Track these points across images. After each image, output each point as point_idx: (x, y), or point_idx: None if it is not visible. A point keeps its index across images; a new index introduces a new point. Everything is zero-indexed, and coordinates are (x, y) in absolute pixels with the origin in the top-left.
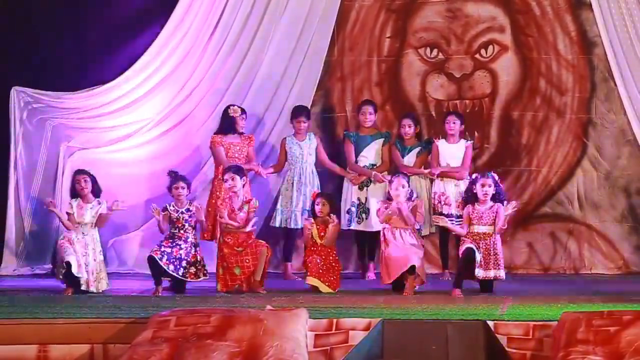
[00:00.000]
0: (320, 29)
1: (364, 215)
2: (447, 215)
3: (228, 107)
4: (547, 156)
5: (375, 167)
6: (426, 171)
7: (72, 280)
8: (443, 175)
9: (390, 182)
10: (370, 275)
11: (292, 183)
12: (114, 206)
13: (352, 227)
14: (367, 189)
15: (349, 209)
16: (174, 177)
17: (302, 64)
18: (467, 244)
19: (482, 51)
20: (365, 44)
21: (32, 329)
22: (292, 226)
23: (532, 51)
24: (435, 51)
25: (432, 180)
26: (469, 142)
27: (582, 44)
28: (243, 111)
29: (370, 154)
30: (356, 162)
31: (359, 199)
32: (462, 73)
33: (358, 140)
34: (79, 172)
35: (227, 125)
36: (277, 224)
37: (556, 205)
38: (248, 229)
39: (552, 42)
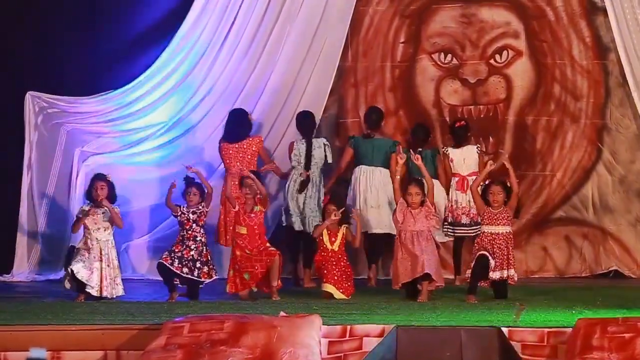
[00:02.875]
0: (333, 34)
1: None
2: (464, 225)
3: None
4: (561, 161)
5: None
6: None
7: (80, 287)
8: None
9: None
10: (372, 281)
11: (294, 187)
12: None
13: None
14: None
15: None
16: (188, 183)
17: (315, 69)
18: (481, 251)
19: (497, 56)
20: (379, 49)
21: (45, 335)
22: (309, 230)
23: (547, 57)
24: (449, 56)
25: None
26: (478, 149)
27: (596, 49)
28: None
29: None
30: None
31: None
32: (477, 78)
33: (359, 144)
34: (98, 177)
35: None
36: (296, 227)
37: (571, 209)
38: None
39: (566, 48)
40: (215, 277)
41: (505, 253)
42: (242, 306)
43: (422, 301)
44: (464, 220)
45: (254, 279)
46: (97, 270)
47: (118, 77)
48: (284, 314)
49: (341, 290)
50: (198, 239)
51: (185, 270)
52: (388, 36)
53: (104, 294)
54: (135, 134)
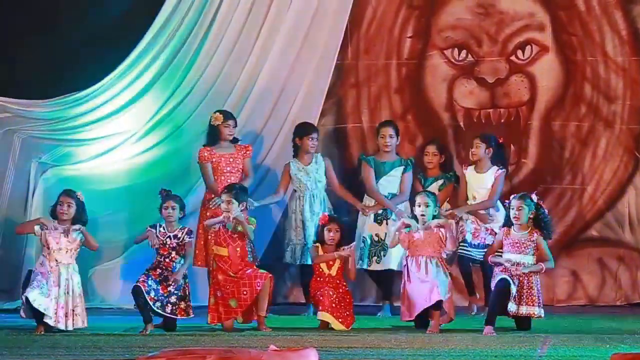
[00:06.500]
0: (330, 28)
1: (382, 254)
2: (465, 243)
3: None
4: (593, 172)
5: (392, 198)
6: (446, 212)
7: (38, 317)
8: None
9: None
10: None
11: (302, 214)
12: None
13: (360, 266)
14: (386, 223)
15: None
16: (165, 196)
17: (310, 68)
18: (502, 275)
19: (519, 52)
20: (383, 45)
21: None
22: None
23: (576, 52)
24: (464, 53)
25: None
26: (500, 170)
27: (634, 44)
28: (228, 117)
29: (388, 184)
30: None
31: (377, 235)
32: (496, 78)
33: (374, 167)
34: (66, 193)
35: (212, 135)
36: (291, 260)
37: (604, 228)
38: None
39: (599, 42)
40: (192, 316)
41: (526, 287)
42: (226, 338)
43: (433, 333)
44: (489, 240)
45: (242, 306)
46: (55, 298)
47: (81, 77)
48: (274, 348)
49: (340, 320)
50: (178, 270)
51: (158, 304)
52: (393, 30)
53: (59, 325)
54: (102, 142)
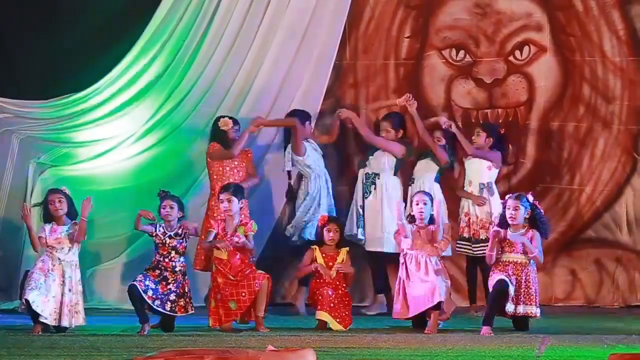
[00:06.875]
0: (329, 28)
1: (365, 229)
2: (469, 240)
3: (218, 119)
4: (591, 173)
5: (378, 176)
6: (434, 119)
7: (35, 317)
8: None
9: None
10: (372, 309)
11: (320, 191)
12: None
13: (359, 236)
14: (365, 200)
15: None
16: (162, 196)
17: (308, 68)
18: (499, 276)
19: (517, 53)
20: (382, 45)
21: None
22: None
23: (574, 53)
24: (461, 53)
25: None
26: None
27: (631, 44)
28: (235, 122)
29: (375, 162)
30: (365, 166)
31: (362, 207)
32: (494, 78)
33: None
34: (53, 191)
35: (222, 141)
36: (310, 236)
37: (602, 228)
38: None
39: (597, 43)
40: (191, 312)
41: (524, 286)
42: (224, 339)
43: (430, 333)
44: (483, 235)
45: (242, 308)
46: (57, 296)
47: (80, 77)
48: (272, 348)
49: (338, 320)
50: (177, 269)
51: (157, 302)
52: (391, 30)
53: (63, 322)
54: (101, 143)
